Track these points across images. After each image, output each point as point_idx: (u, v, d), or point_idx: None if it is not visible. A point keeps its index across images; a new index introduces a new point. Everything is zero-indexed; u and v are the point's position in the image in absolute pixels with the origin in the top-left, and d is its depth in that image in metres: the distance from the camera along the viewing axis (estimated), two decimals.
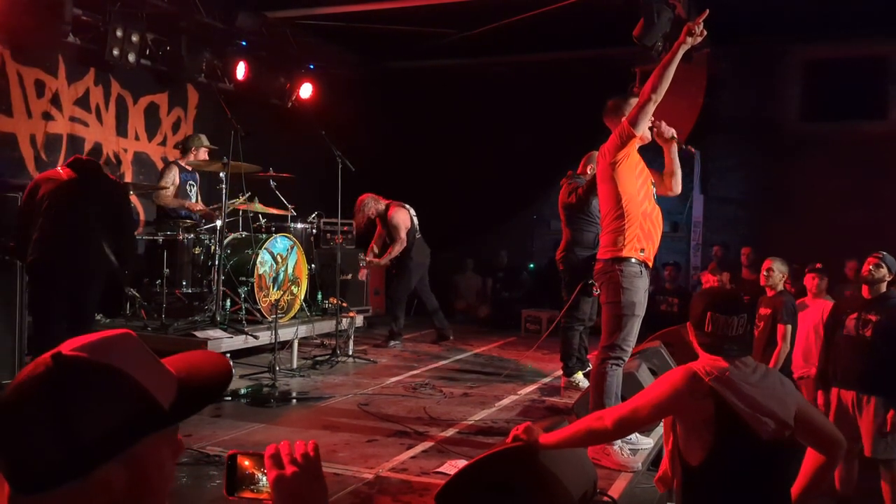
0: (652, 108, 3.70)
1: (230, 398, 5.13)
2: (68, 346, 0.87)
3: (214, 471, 3.66)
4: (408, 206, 7.62)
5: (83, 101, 7.10)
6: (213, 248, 6.01)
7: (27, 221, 4.59)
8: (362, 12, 8.02)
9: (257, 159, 6.38)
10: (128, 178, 7.38)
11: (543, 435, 2.55)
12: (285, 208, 6.74)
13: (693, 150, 4.19)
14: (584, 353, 6.03)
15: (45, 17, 6.20)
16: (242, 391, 5.24)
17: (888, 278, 4.20)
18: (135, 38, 6.94)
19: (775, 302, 5.40)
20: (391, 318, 7.64)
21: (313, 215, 7.41)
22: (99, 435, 0.84)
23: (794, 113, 9.95)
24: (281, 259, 6.49)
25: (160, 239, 6.05)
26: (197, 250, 6.18)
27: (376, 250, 7.64)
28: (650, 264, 3.97)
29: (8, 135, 6.42)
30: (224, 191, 6.00)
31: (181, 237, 6.08)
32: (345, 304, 6.87)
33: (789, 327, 5.30)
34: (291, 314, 6.53)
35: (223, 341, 5.57)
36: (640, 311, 3.92)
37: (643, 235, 3.87)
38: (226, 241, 6.03)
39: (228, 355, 5.76)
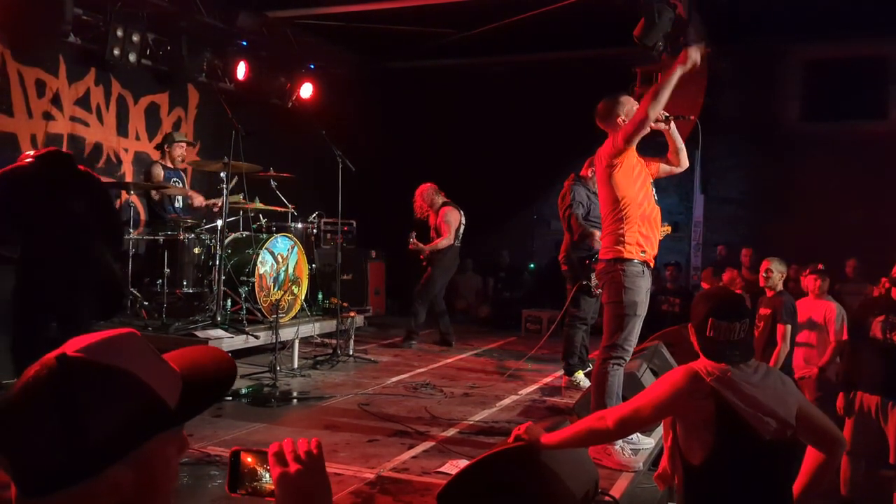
0: (648, 124, 3.71)
1: (231, 398, 5.13)
2: (72, 347, 0.86)
3: (215, 471, 3.66)
4: (461, 211, 7.68)
5: (84, 101, 7.10)
6: (213, 247, 6.01)
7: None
8: (362, 12, 8.02)
9: (258, 159, 6.38)
10: (128, 178, 7.39)
11: (545, 435, 2.56)
12: (286, 208, 6.74)
13: (692, 117, 4.19)
14: (586, 352, 6.03)
15: (45, 17, 6.20)
16: (243, 391, 5.24)
17: None
18: (135, 38, 6.94)
19: (775, 302, 5.40)
20: (411, 316, 7.64)
21: (314, 215, 7.41)
22: (106, 436, 0.83)
23: (795, 113, 9.96)
24: (282, 259, 6.49)
25: (161, 239, 6.05)
26: (198, 250, 6.18)
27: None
28: (652, 265, 3.99)
29: (9, 135, 6.42)
30: (224, 190, 6.01)
31: (182, 237, 6.08)
32: (345, 304, 6.87)
33: (789, 327, 5.31)
34: (292, 314, 6.53)
35: (224, 341, 5.57)
36: (642, 311, 3.93)
37: (643, 237, 3.89)
38: (226, 241, 6.03)
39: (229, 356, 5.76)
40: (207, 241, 6.18)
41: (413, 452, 4.09)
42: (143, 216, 7.14)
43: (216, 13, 7.78)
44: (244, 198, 6.35)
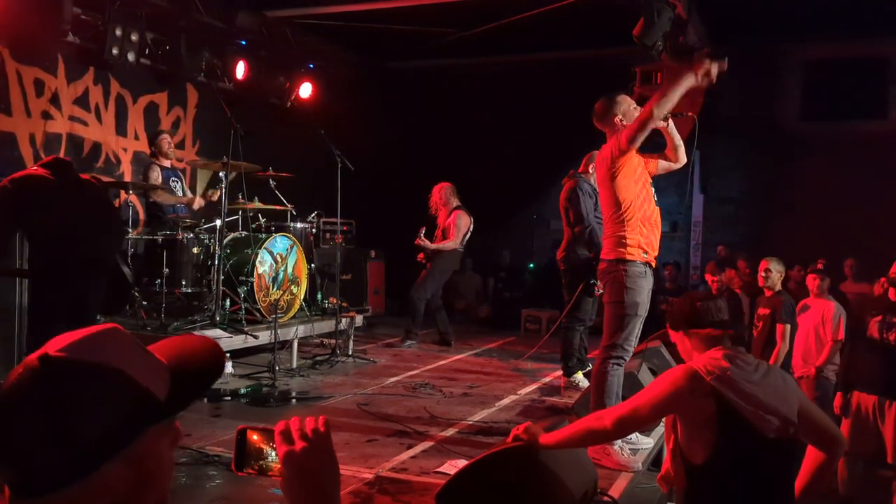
0: (651, 125, 3.71)
1: (230, 398, 5.12)
2: (53, 347, 0.85)
3: (214, 470, 3.65)
4: (472, 217, 7.73)
5: (82, 101, 7.09)
6: (212, 247, 6.00)
7: (8, 222, 4.38)
8: (362, 12, 8.01)
9: (257, 159, 6.37)
10: (127, 178, 7.37)
11: (543, 435, 2.55)
12: (285, 207, 6.73)
13: (690, 114, 4.21)
14: (585, 353, 6.02)
15: (44, 16, 6.18)
16: (242, 391, 5.23)
17: None
18: (134, 38, 6.93)
19: (774, 302, 5.40)
20: (411, 315, 7.63)
21: (313, 215, 7.40)
22: (97, 435, 0.82)
23: (794, 113, 9.95)
24: (280, 259, 6.48)
25: (160, 238, 6.04)
26: (196, 250, 6.17)
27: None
28: (653, 265, 4.00)
29: (7, 134, 6.41)
30: (223, 190, 6.00)
31: (181, 237, 6.07)
32: (344, 304, 6.86)
33: (788, 327, 5.30)
34: (291, 314, 6.52)
35: (223, 341, 5.55)
36: (643, 311, 3.93)
37: (644, 239, 3.91)
38: (225, 241, 6.02)
39: (228, 355, 5.76)
40: (206, 241, 6.17)
41: (412, 452, 4.08)
42: (141, 216, 7.13)
43: (215, 12, 7.77)
44: (243, 197, 6.34)
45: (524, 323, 9.17)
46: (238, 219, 6.70)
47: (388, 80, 10.80)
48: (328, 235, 8.38)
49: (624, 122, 3.91)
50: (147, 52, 7.33)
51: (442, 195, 7.71)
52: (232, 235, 6.40)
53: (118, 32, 6.75)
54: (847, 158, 9.19)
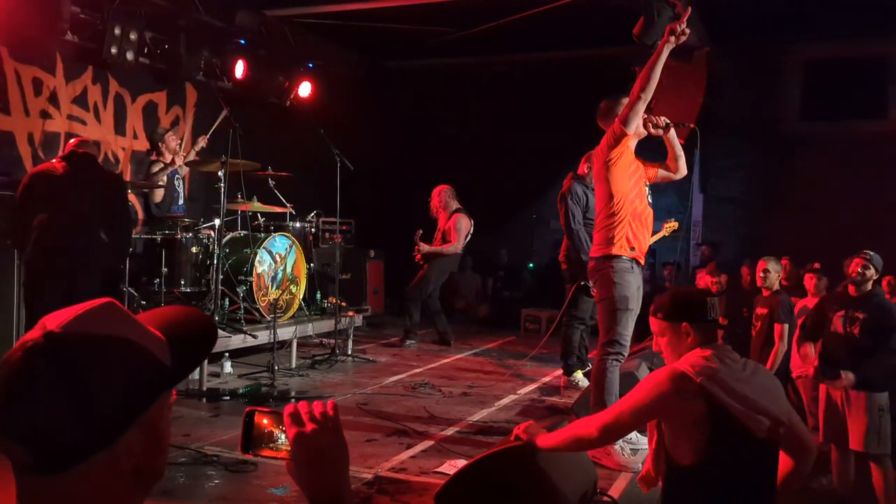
0: (642, 106, 3.80)
1: (229, 398, 5.12)
2: (53, 323, 0.84)
3: (212, 470, 3.64)
4: (472, 220, 7.74)
5: (81, 100, 7.08)
6: (211, 247, 5.99)
7: (24, 216, 4.60)
8: (361, 11, 8.00)
9: (256, 158, 6.36)
10: (126, 177, 7.36)
11: (541, 437, 2.53)
12: (284, 207, 6.72)
13: (691, 125, 4.31)
14: (585, 352, 6.02)
15: (43, 15, 6.17)
16: (241, 391, 5.22)
17: (874, 277, 4.24)
18: (133, 37, 6.91)
19: (772, 302, 5.39)
20: (406, 315, 7.62)
21: (312, 214, 7.39)
22: (117, 403, 0.84)
23: (794, 112, 9.95)
24: (280, 258, 6.47)
25: (158, 238, 6.03)
26: (195, 249, 6.16)
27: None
28: (642, 261, 4.08)
29: (6, 133, 6.39)
30: (223, 189, 5.98)
31: (179, 236, 6.06)
32: (344, 304, 6.85)
33: (786, 326, 5.29)
34: (290, 313, 6.51)
35: (221, 341, 5.55)
36: (634, 305, 4.00)
37: (632, 234, 3.98)
38: (224, 241, 6.00)
39: (227, 355, 5.75)
40: (205, 241, 6.16)
41: (411, 452, 4.08)
42: (140, 215, 7.12)
43: (214, 11, 7.75)
44: (242, 197, 6.33)
45: (524, 322, 9.16)
46: (237, 218, 6.69)
47: (387, 79, 10.78)
48: (327, 235, 8.37)
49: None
50: (146, 51, 7.32)
51: (441, 198, 7.70)
52: (231, 235, 6.38)
53: (117, 31, 6.73)
54: (847, 158, 9.19)
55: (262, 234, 6.42)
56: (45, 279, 4.57)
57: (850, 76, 9.50)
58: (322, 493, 1.06)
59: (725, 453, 2.14)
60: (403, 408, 5.06)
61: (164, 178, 6.70)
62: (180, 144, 7.12)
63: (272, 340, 5.66)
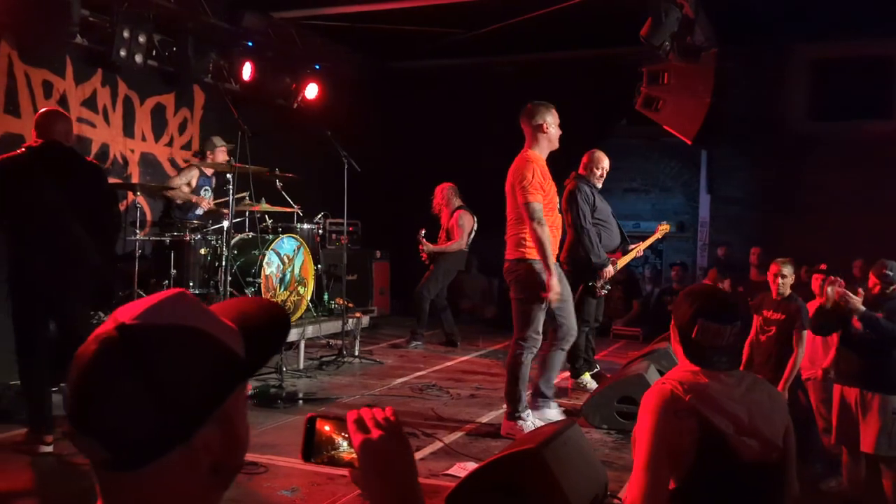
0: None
1: None
2: (127, 315, 0.83)
3: None
4: (475, 216, 7.76)
5: (90, 102, 7.11)
6: (219, 248, 6.01)
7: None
8: (368, 12, 8.02)
9: (263, 160, 6.38)
10: (135, 179, 7.40)
11: None
12: (291, 209, 6.75)
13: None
14: (592, 354, 6.02)
15: (52, 19, 6.20)
16: (249, 392, 5.24)
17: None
18: (142, 39, 6.94)
19: (789, 307, 5.31)
20: (415, 315, 7.63)
21: (319, 216, 7.41)
22: (195, 396, 0.82)
23: (802, 112, 9.92)
24: (288, 260, 6.50)
25: (167, 240, 6.06)
26: (204, 251, 6.18)
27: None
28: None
29: (16, 136, 6.42)
30: (231, 191, 6.01)
31: (188, 238, 6.08)
32: (351, 305, 6.87)
33: (806, 332, 5.25)
34: (298, 315, 6.53)
35: None
36: (545, 303, 4.37)
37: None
38: (233, 242, 6.03)
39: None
40: (213, 242, 6.19)
41: (420, 454, 4.08)
42: (149, 217, 7.15)
43: (222, 14, 7.78)
44: (250, 198, 6.36)
45: None
46: (245, 220, 6.71)
47: (393, 80, 10.79)
48: (334, 236, 8.39)
49: (544, 127, 4.78)
50: (154, 53, 7.35)
51: (444, 196, 7.72)
52: (239, 236, 6.41)
53: (126, 34, 6.76)
54: (854, 158, 9.16)
55: (271, 236, 6.44)
56: (24, 291, 4.17)
57: (858, 76, 9.47)
58: (393, 501, 1.04)
59: (711, 476, 2.01)
60: (411, 409, 5.07)
61: (186, 187, 6.71)
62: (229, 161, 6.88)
63: None
